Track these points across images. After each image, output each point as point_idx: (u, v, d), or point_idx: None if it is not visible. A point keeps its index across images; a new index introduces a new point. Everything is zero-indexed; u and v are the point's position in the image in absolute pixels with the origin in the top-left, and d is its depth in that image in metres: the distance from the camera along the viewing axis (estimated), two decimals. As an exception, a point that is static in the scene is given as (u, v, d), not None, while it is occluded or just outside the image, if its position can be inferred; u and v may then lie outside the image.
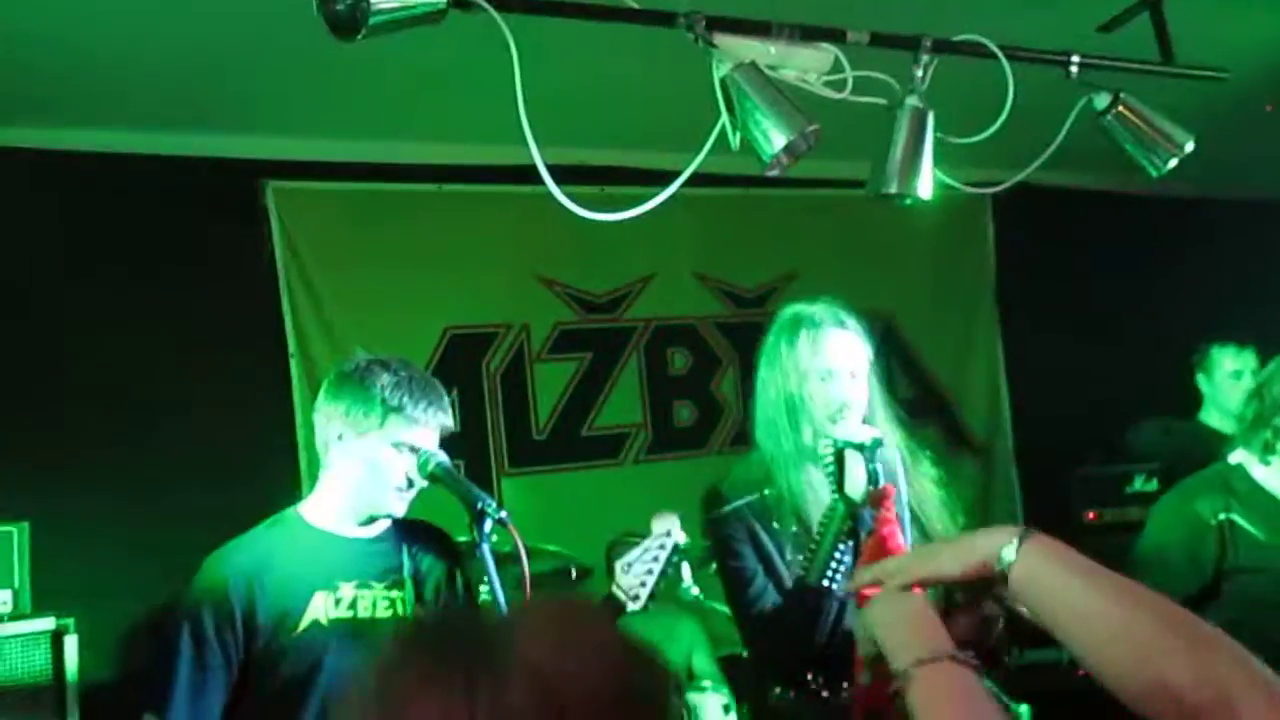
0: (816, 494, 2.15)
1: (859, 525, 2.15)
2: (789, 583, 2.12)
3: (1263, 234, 5.24)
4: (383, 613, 2.07)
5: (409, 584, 2.10)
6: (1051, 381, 4.81)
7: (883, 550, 2.15)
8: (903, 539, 2.18)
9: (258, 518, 2.19)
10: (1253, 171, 4.96)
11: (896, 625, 1.20)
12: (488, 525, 1.81)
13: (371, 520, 2.13)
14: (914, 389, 4.86)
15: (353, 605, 2.05)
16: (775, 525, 2.13)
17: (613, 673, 0.85)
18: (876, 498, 2.16)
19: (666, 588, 3.64)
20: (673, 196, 2.11)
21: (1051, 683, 3.41)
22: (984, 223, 4.91)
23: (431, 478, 1.97)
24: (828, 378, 2.18)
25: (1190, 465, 3.07)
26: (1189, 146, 2.43)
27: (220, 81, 3.32)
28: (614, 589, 2.25)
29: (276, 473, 3.56)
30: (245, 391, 3.70)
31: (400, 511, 2.09)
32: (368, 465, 2.05)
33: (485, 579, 1.93)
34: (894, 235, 4.33)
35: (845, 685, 2.09)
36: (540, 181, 2.03)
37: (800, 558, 2.09)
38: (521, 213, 3.87)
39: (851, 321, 2.28)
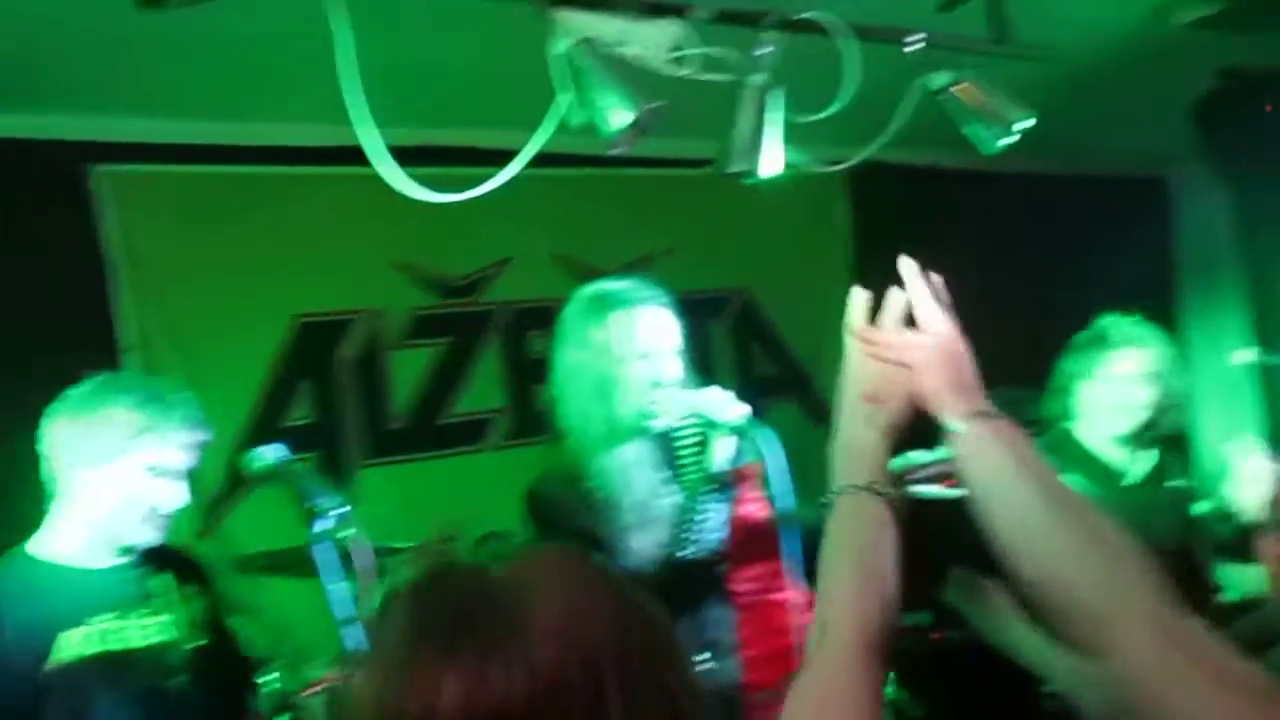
0: (635, 473, 2.10)
1: (723, 498, 2.15)
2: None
3: (1103, 208, 5.48)
4: (146, 640, 1.95)
5: (171, 607, 1.99)
6: (906, 355, 4.92)
7: (745, 529, 2.16)
8: (766, 515, 2.17)
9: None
10: (1091, 148, 5.18)
11: (838, 454, 1.28)
12: (322, 524, 1.72)
13: (128, 550, 2.00)
14: (773, 366, 4.92)
15: (110, 638, 1.92)
16: (605, 514, 2.07)
17: (624, 615, 0.87)
18: (738, 476, 2.16)
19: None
20: (530, 177, 2.07)
21: (910, 647, 3.50)
22: (838, 200, 4.98)
23: (267, 475, 1.87)
24: (648, 356, 2.13)
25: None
26: (1025, 124, 2.49)
27: (39, 60, 3.10)
28: None
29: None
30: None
31: (158, 538, 1.97)
32: (117, 493, 1.91)
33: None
34: (751, 214, 4.34)
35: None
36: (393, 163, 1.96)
37: (650, 535, 2.05)
38: (374, 195, 3.67)
39: (662, 298, 2.22)
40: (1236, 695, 0.90)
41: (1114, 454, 2.99)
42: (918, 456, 2.10)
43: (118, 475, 1.90)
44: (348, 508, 1.73)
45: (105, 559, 1.98)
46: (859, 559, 1.18)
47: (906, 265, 1.34)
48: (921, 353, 1.29)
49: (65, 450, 1.93)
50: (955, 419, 1.20)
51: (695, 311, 4.74)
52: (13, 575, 1.95)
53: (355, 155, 3.73)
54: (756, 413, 2.54)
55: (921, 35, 2.44)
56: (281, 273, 3.88)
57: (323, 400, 3.97)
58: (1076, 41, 3.41)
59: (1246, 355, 3.96)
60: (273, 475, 1.85)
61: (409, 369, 4.17)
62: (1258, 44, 4.03)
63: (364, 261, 4.06)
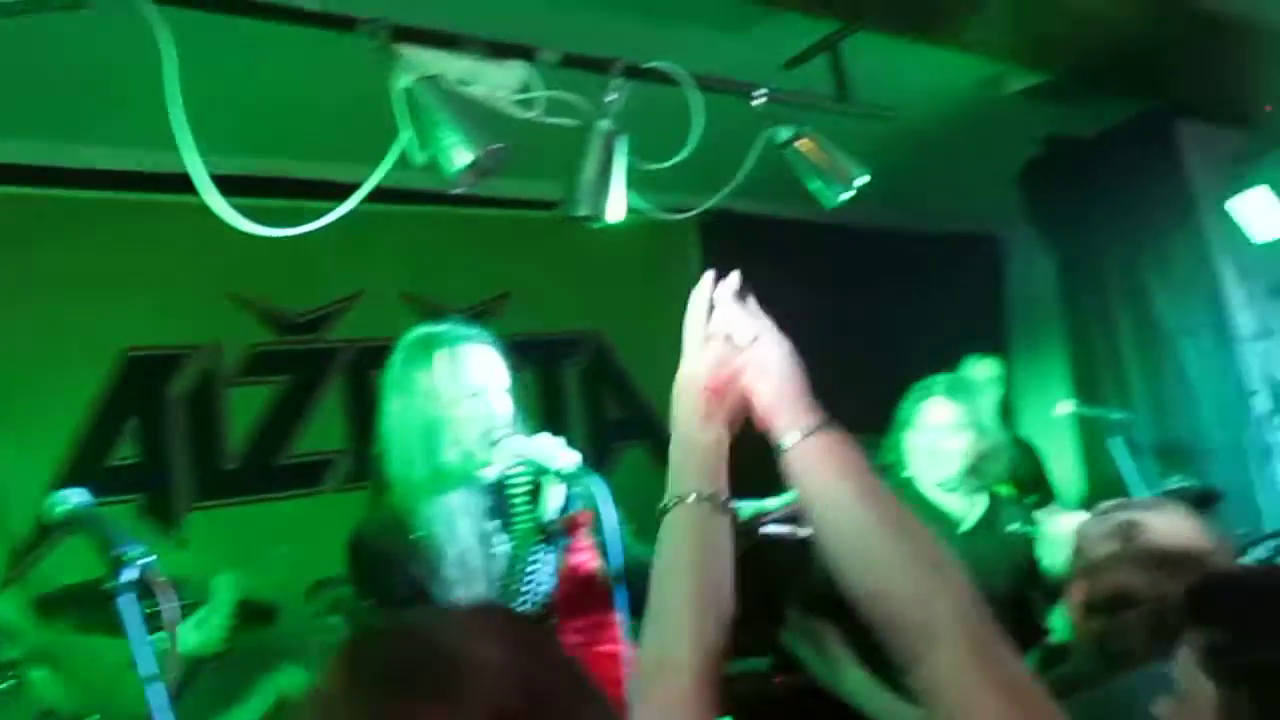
0: (462, 522, 2.04)
1: (554, 548, 2.11)
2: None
3: (939, 263, 5.72)
4: None
5: None
6: (754, 400, 5.01)
7: (576, 579, 2.12)
8: (597, 565, 2.14)
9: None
10: (928, 205, 5.42)
11: (674, 460, 1.27)
12: (127, 574, 1.60)
13: None
14: (624, 410, 4.93)
15: None
16: (431, 564, 2.01)
17: (559, 662, 0.89)
18: (569, 524, 2.12)
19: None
20: (380, 213, 2.01)
21: (751, 691, 3.52)
22: (691, 246, 5.05)
23: (65, 522, 1.73)
24: (477, 395, 2.09)
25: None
26: (861, 180, 2.58)
27: None
28: None
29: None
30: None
31: None
32: None
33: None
34: (604, 257, 4.36)
35: None
36: (235, 193, 1.89)
37: (480, 584, 2.00)
38: (212, 225, 3.58)
39: (486, 337, 2.19)
40: (1017, 707, 0.95)
41: (948, 501, 3.09)
42: (768, 503, 2.12)
43: None
44: (154, 557, 1.61)
45: None
46: (696, 578, 1.16)
47: (727, 284, 1.34)
48: (754, 366, 1.29)
49: None
50: (789, 431, 1.21)
51: (546, 353, 4.79)
52: None
53: (189, 183, 3.62)
54: (606, 457, 2.53)
55: (765, 90, 2.49)
56: (109, 303, 3.67)
57: (151, 439, 3.77)
58: (914, 103, 3.57)
59: (1067, 407, 4.18)
60: (74, 521, 1.71)
61: (245, 407, 3.99)
62: (1081, 114, 4.30)
63: (200, 294, 3.88)
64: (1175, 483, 3.97)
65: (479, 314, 4.41)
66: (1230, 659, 1.13)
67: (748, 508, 2.11)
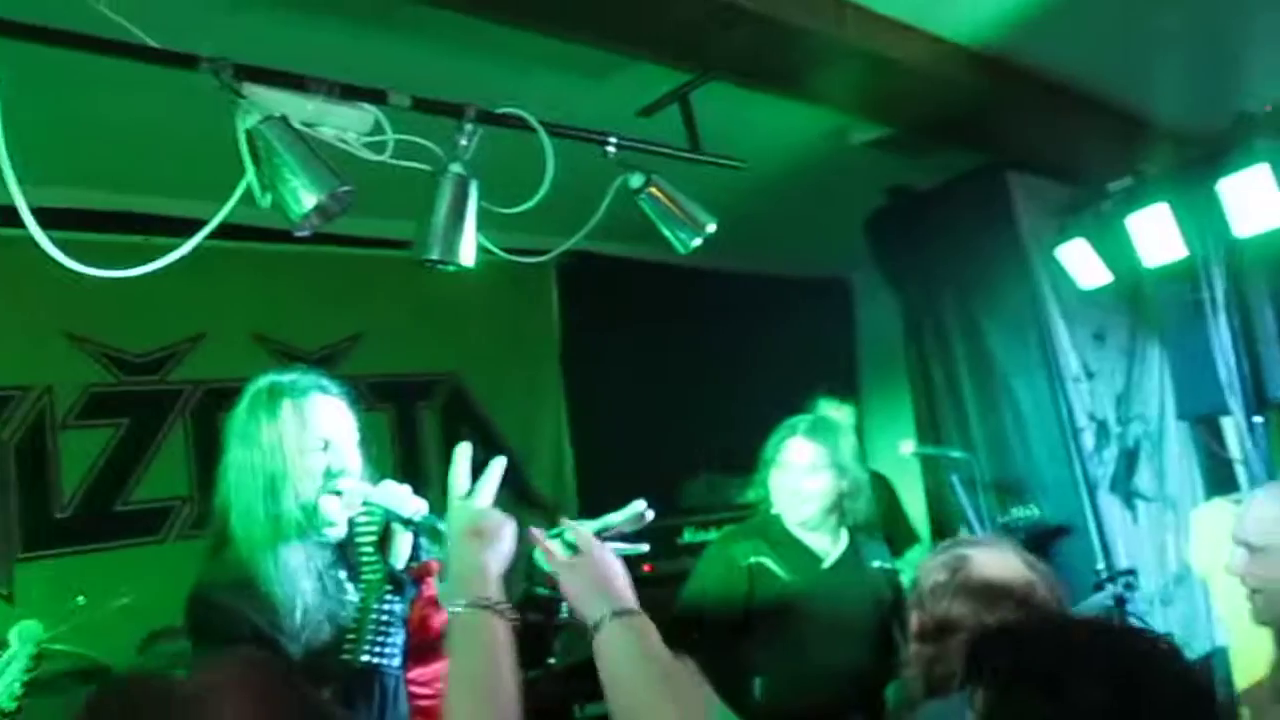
0: (304, 578, 2.00)
1: (404, 598, 2.08)
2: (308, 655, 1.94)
3: (793, 305, 5.89)
4: None
5: None
6: (612, 439, 5.05)
7: (425, 629, 2.09)
8: (442, 619, 2.12)
9: None
10: (782, 250, 5.58)
11: (452, 582, 1.51)
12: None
13: None
14: (483, 451, 4.88)
15: None
16: (279, 621, 1.95)
17: (305, 714, 0.97)
18: (419, 573, 2.09)
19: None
20: (226, 250, 1.95)
21: None
22: (548, 288, 5.08)
23: None
24: (325, 447, 2.05)
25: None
26: (710, 228, 2.65)
27: None
28: None
29: None
30: None
31: None
32: None
33: None
34: (461, 297, 4.33)
35: None
36: (70, 227, 1.80)
37: (328, 637, 1.95)
38: (46, 260, 3.42)
39: (335, 388, 2.16)
40: None
41: (812, 538, 3.17)
42: (612, 518, 2.13)
43: None
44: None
45: None
46: (481, 684, 1.33)
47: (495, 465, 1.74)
48: (565, 566, 1.57)
49: None
50: (594, 617, 1.43)
51: (404, 394, 4.72)
52: None
53: (15, 216, 3.46)
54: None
55: (617, 139, 2.54)
56: (-71, 342, 3.48)
57: (-27, 485, 3.55)
58: (764, 152, 3.69)
59: (909, 446, 4.35)
60: None
61: (80, 452, 3.81)
62: (923, 165, 4.52)
63: (30, 332, 3.70)
64: (1016, 515, 4.16)
65: (331, 355, 4.33)
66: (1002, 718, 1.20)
67: (591, 525, 2.12)
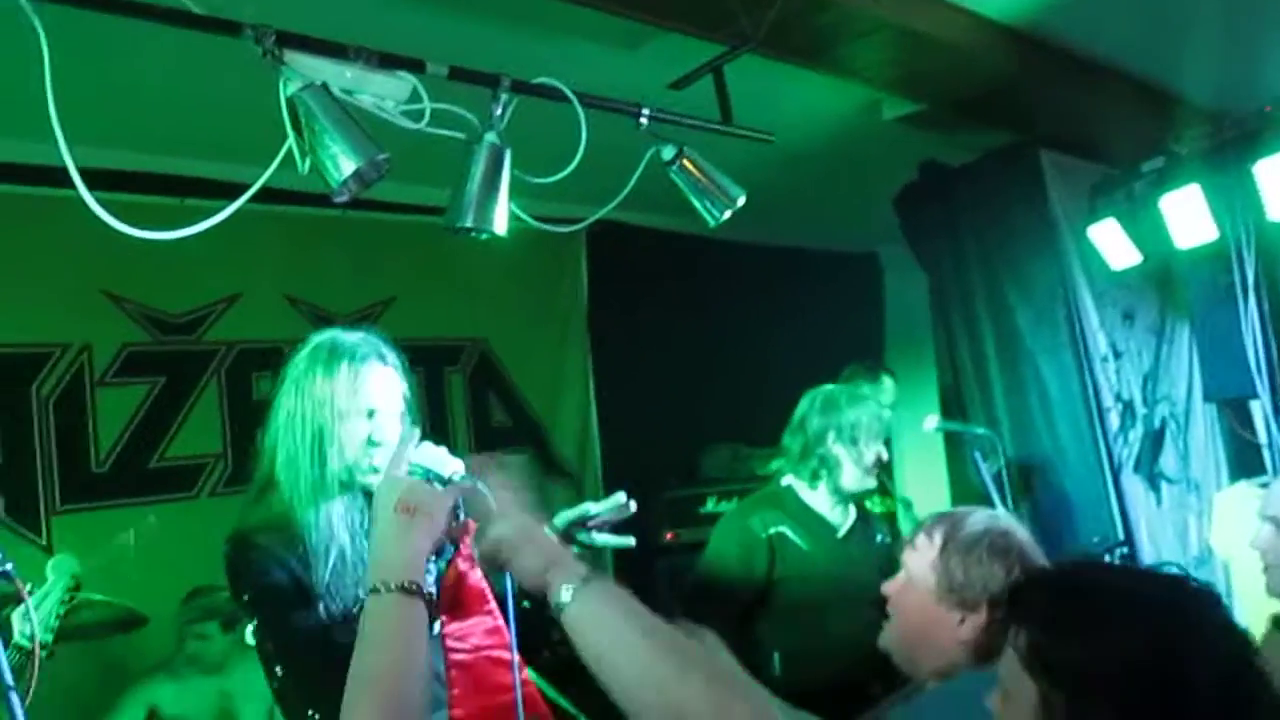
0: (343, 533, 2.03)
1: (442, 556, 2.12)
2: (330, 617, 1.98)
3: (821, 279, 5.90)
4: None
5: None
6: (637, 409, 5.10)
7: (461, 587, 2.14)
8: (478, 577, 2.17)
9: None
10: (810, 223, 5.59)
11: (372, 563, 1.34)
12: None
13: None
14: (509, 416, 4.96)
15: None
16: (313, 570, 1.98)
17: None
18: (455, 533, 2.13)
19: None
20: (262, 214, 2.00)
21: None
22: (577, 256, 5.11)
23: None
24: (371, 416, 2.09)
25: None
26: (740, 201, 2.67)
27: None
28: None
29: None
30: None
31: None
32: None
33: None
34: (490, 265, 4.39)
35: None
36: (114, 188, 1.85)
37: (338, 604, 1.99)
38: (84, 220, 3.49)
39: (392, 356, 2.18)
40: None
41: (825, 508, 3.21)
42: (592, 507, 2.16)
43: None
44: (9, 565, 1.57)
45: None
46: (386, 684, 1.20)
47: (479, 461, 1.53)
48: (506, 542, 1.39)
49: None
50: (564, 586, 1.26)
51: (432, 359, 4.77)
52: None
53: (64, 177, 3.52)
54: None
55: (650, 110, 2.56)
56: (-30, 299, 3.56)
57: (13, 440, 3.64)
58: (795, 126, 3.70)
59: (932, 422, 4.36)
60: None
61: (116, 409, 3.89)
62: (954, 142, 4.51)
63: (69, 291, 3.78)
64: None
65: (362, 318, 4.39)
66: (1046, 657, 1.22)
67: (568, 514, 2.15)
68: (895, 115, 4.09)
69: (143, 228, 1.93)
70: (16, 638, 1.77)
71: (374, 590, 1.27)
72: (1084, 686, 1.17)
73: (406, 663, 1.22)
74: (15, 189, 3.61)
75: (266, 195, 2.01)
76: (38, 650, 1.65)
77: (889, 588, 2.01)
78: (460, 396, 4.79)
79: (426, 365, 4.65)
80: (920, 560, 1.93)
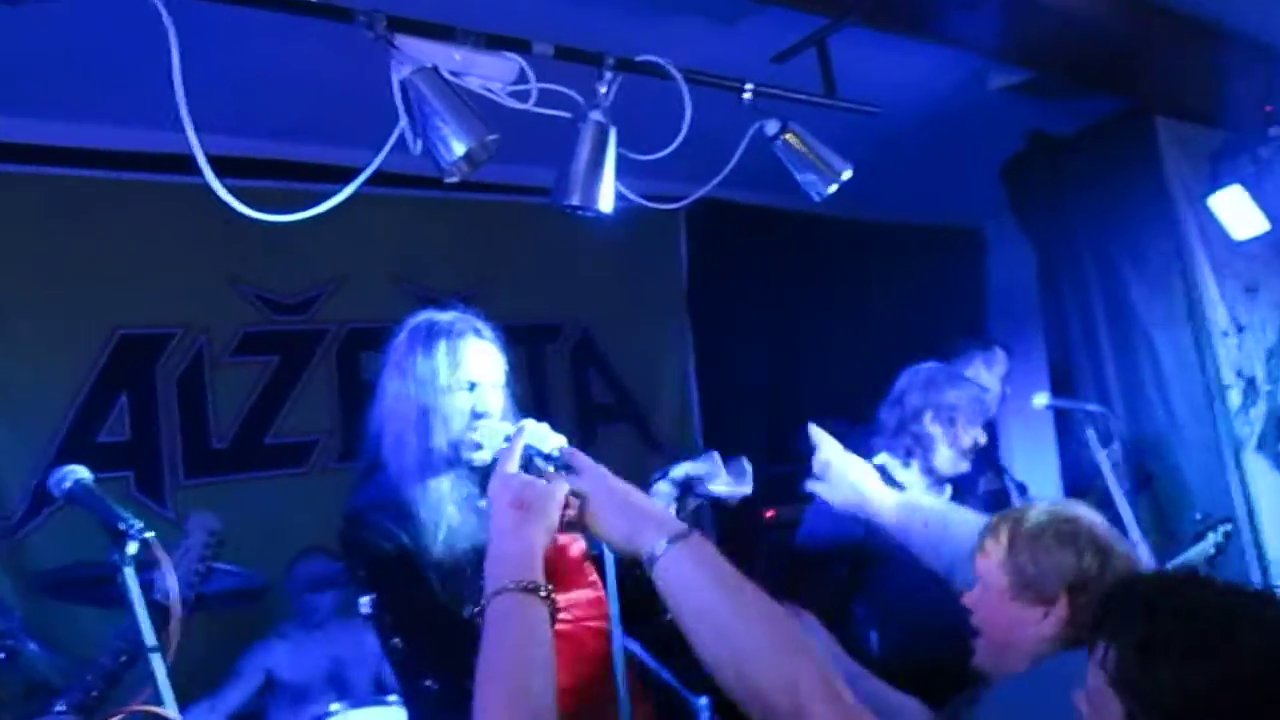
0: (450, 507, 2.08)
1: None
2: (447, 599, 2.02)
3: (921, 255, 5.78)
4: None
5: None
6: (737, 387, 5.08)
7: (562, 559, 2.18)
8: (580, 547, 2.20)
9: None
10: (912, 198, 5.48)
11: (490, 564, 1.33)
12: (130, 547, 1.65)
13: None
14: (609, 393, 4.99)
15: None
16: (423, 543, 2.04)
17: None
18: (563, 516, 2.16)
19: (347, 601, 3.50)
20: (368, 197, 2.05)
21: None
22: (676, 235, 5.11)
23: (68, 497, 1.77)
24: (472, 389, 2.13)
25: None
26: (846, 174, 2.64)
27: None
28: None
29: None
30: None
31: None
32: None
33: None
34: (592, 244, 4.40)
35: None
36: (225, 174, 1.92)
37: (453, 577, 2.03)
38: (203, 206, 3.59)
39: (488, 331, 2.23)
40: None
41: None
42: (690, 466, 2.18)
43: None
44: (152, 534, 1.65)
45: None
46: (514, 682, 1.20)
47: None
48: (592, 500, 1.39)
49: None
50: (655, 542, 1.26)
51: (533, 338, 4.83)
52: None
53: (184, 164, 3.65)
54: (592, 439, 2.54)
55: (754, 85, 2.55)
56: (100, 283, 3.71)
57: (141, 416, 3.81)
58: (898, 97, 3.62)
59: (1043, 399, 4.25)
60: (77, 496, 1.75)
61: (234, 387, 4.04)
62: (1062, 111, 4.37)
63: (191, 274, 3.92)
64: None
65: (466, 298, 4.44)
66: (1136, 681, 1.19)
67: (677, 469, 2.17)
68: (1002, 85, 3.99)
69: (257, 211, 2.00)
70: (156, 596, 1.84)
71: (495, 592, 1.29)
72: (1175, 713, 1.14)
73: (534, 661, 1.23)
74: (140, 177, 3.76)
75: (372, 178, 2.07)
76: (177, 609, 1.73)
77: (969, 599, 1.96)
78: (561, 375, 4.84)
79: (528, 344, 4.70)
80: (990, 563, 1.88)
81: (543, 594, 1.28)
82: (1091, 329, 4.54)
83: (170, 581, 1.70)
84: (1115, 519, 3.49)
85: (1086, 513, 1.90)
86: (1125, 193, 4.37)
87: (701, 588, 1.21)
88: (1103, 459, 3.76)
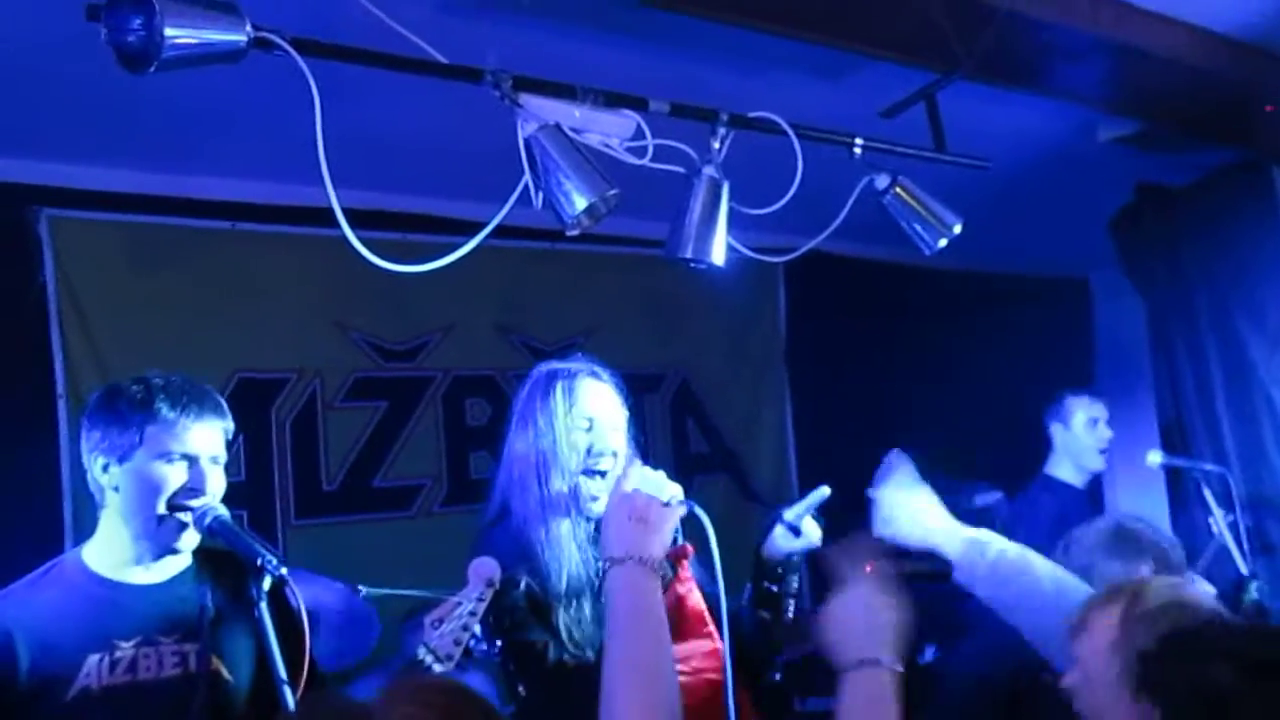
0: (571, 548, 2.11)
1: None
2: (570, 645, 2.04)
3: (1028, 307, 5.70)
4: (170, 671, 1.86)
5: (207, 634, 1.89)
6: (835, 440, 5.05)
7: (681, 610, 2.18)
8: (697, 599, 2.20)
9: (17, 571, 1.94)
10: (1019, 249, 5.41)
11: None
12: (267, 582, 1.71)
13: (161, 558, 1.93)
14: (706, 443, 5.00)
15: (133, 666, 1.83)
16: (548, 586, 2.06)
17: None
18: (675, 556, 2.18)
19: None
20: (478, 247, 2.11)
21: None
22: (776, 287, 5.13)
23: (209, 532, 1.85)
24: (590, 427, 2.17)
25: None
26: (957, 228, 2.63)
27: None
28: (421, 649, 1.94)
29: (40, 521, 3.30)
30: (7, 434, 3.41)
31: (186, 544, 1.90)
32: (135, 489, 1.86)
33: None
34: (691, 295, 4.46)
35: None
36: (338, 225, 2.00)
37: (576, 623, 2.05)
38: (318, 256, 3.78)
39: (607, 375, 2.27)
40: None
41: None
42: (800, 506, 2.20)
43: (132, 472, 1.86)
44: (286, 569, 1.70)
45: (140, 573, 1.91)
46: (643, 667, 1.30)
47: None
48: (836, 609, 1.56)
49: (91, 458, 1.90)
50: (851, 660, 1.44)
51: (633, 388, 4.83)
52: (56, 582, 1.88)
53: (302, 215, 3.79)
54: (690, 489, 2.53)
55: (862, 141, 2.57)
56: (221, 328, 3.88)
57: (256, 457, 3.94)
58: (1006, 150, 3.60)
59: (1157, 458, 4.12)
60: (220, 531, 1.82)
61: (344, 430, 4.16)
62: (1173, 163, 4.29)
63: (305, 321, 4.08)
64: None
65: (567, 347, 4.53)
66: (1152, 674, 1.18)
67: (789, 511, 2.21)
68: (1112, 137, 3.94)
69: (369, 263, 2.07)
70: (420, 654, 1.85)
71: (611, 563, 1.41)
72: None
73: (650, 633, 1.33)
74: (261, 227, 3.94)
75: (476, 229, 2.13)
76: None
77: (1070, 682, 1.65)
78: (661, 424, 4.87)
79: (629, 394, 4.74)
80: (1094, 646, 1.58)
81: (656, 568, 1.42)
82: (1207, 386, 4.41)
83: (303, 620, 1.74)
84: (1234, 587, 3.37)
85: (1204, 591, 1.78)
86: (1242, 244, 4.26)
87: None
88: (1220, 520, 3.64)
